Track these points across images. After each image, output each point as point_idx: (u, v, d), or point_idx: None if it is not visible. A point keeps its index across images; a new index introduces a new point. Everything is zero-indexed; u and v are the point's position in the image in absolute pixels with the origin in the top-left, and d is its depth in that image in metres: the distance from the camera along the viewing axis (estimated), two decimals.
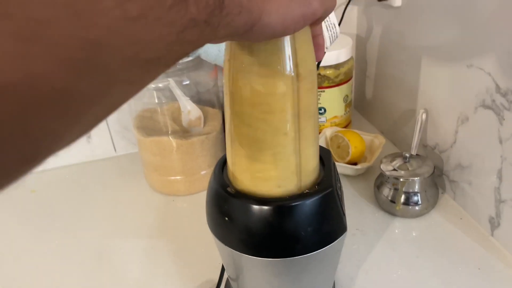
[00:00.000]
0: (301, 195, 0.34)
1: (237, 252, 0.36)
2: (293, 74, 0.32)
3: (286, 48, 0.30)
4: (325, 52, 0.64)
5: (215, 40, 0.22)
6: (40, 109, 0.14)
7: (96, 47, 0.14)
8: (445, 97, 0.60)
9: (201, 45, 0.20)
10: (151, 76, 0.18)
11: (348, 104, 0.77)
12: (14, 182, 0.16)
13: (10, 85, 0.12)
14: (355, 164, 0.69)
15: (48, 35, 0.13)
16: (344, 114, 0.77)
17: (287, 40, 0.30)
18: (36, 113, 0.14)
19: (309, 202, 0.34)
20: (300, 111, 0.33)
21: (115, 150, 0.82)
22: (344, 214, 0.37)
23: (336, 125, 0.77)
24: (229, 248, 0.36)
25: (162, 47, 0.17)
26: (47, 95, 0.13)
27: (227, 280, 0.50)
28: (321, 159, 0.39)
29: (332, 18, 0.60)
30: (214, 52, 0.58)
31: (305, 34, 0.32)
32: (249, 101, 0.33)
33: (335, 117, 0.76)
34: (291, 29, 0.26)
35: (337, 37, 0.61)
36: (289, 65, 0.31)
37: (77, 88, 0.14)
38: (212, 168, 0.68)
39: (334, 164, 0.40)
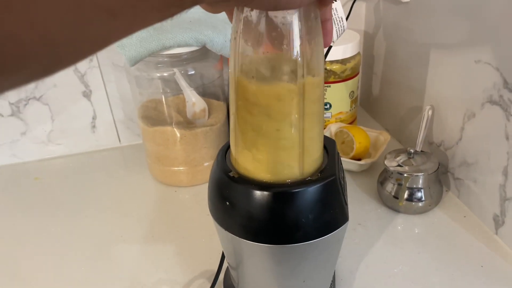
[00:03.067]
0: (303, 182, 0.34)
1: (237, 237, 0.35)
2: (299, 57, 0.31)
3: (294, 29, 0.30)
4: (331, 46, 0.64)
5: None
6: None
7: None
8: (452, 94, 0.60)
9: None
10: (140, 14, 0.17)
11: (354, 100, 0.77)
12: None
13: None
14: (359, 160, 0.69)
15: None
16: (350, 110, 0.77)
17: (295, 20, 0.30)
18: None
19: (311, 189, 0.33)
20: (305, 97, 0.33)
21: (119, 140, 0.82)
22: (346, 204, 0.37)
23: (341, 121, 0.76)
24: (230, 234, 0.36)
25: None
26: None
27: (227, 269, 0.49)
28: (326, 148, 0.39)
29: (340, 11, 0.60)
30: (220, 41, 0.58)
31: (313, 16, 0.31)
32: (254, 84, 0.33)
33: (341, 113, 0.76)
34: (296, 2, 0.25)
35: (344, 31, 0.61)
36: (296, 47, 0.31)
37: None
38: None
39: (338, 154, 0.39)
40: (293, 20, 0.30)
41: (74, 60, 0.17)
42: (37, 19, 0.14)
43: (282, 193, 0.33)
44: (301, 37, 0.31)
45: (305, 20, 0.30)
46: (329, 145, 0.39)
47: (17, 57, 0.15)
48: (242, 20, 0.30)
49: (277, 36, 0.30)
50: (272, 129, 0.33)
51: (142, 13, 0.17)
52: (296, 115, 0.33)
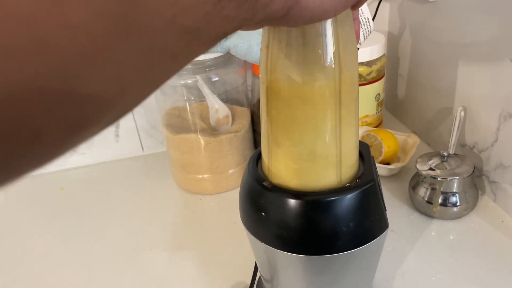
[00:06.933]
0: (342, 189, 0.33)
1: (273, 248, 0.34)
2: (333, 63, 0.30)
3: (327, 34, 0.29)
4: (358, 48, 0.62)
5: (253, 23, 0.21)
6: (85, 66, 0.13)
7: (133, 2, 0.13)
8: (485, 94, 0.58)
9: (239, 24, 0.19)
10: (192, 52, 0.17)
11: (380, 103, 0.75)
12: (62, 153, 0.15)
13: (48, 36, 0.11)
14: (388, 164, 0.67)
15: None
16: (376, 113, 0.75)
17: (328, 25, 0.29)
18: (80, 69, 0.13)
19: (351, 196, 0.32)
20: (341, 101, 0.31)
21: (142, 149, 0.82)
22: (385, 210, 0.35)
23: (367, 124, 0.75)
24: (265, 245, 0.35)
25: (200, 16, 0.16)
26: (89, 50, 0.13)
27: (259, 280, 0.48)
28: (360, 152, 0.37)
29: (366, 12, 0.59)
30: (244, 47, 0.57)
31: (347, 18, 0.30)
32: (287, 92, 0.31)
33: (367, 116, 0.74)
34: (331, 12, 0.24)
35: (371, 32, 0.60)
36: (330, 53, 0.29)
37: (120, 49, 0.13)
38: (240, 167, 0.68)
39: (373, 158, 0.38)
40: (326, 26, 0.28)
41: (134, 108, 0.17)
42: (114, 71, 0.14)
43: (320, 201, 0.32)
44: (334, 41, 0.29)
45: (338, 23, 0.29)
46: (363, 149, 0.38)
47: (95, 113, 0.15)
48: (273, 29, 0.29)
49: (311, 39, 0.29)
50: (307, 135, 0.32)
51: (195, 51, 0.17)
52: (332, 118, 0.32)
